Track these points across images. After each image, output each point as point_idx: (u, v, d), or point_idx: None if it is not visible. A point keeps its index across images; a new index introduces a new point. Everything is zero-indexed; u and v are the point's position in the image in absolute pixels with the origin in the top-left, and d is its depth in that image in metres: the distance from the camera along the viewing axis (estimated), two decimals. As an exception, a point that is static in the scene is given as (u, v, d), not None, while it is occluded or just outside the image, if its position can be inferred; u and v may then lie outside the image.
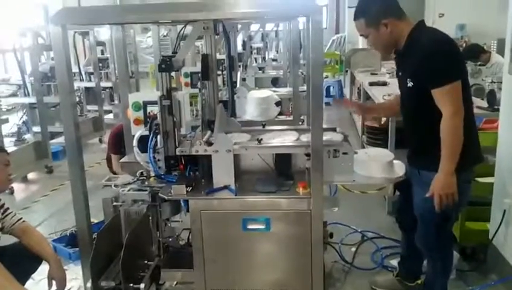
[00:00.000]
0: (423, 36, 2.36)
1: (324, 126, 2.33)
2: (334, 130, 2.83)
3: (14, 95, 7.69)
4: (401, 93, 2.61)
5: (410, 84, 2.39)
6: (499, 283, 3.03)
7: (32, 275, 2.73)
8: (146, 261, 2.42)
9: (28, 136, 6.21)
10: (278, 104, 3.99)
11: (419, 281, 2.93)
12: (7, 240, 2.69)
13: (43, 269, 2.63)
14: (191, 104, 2.88)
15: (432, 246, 2.61)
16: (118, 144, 3.59)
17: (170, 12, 2.34)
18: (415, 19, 2.45)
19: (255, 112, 3.89)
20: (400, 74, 2.55)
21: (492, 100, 4.06)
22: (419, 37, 2.36)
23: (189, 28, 2.55)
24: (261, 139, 2.55)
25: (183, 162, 2.53)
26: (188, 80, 3.99)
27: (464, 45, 8.94)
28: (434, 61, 2.27)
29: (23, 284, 2.46)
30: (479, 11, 10.25)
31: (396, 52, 2.58)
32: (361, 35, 2.52)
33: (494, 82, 4.72)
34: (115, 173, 3.68)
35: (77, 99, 7.53)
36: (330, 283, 3.15)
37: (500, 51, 8.95)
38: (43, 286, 2.73)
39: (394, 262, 3.29)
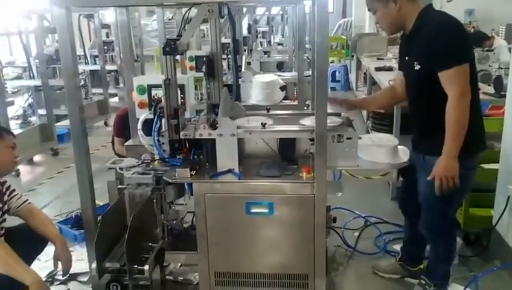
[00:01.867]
0: (432, 19, 2.34)
1: (329, 111, 2.32)
2: (338, 115, 2.82)
3: (19, 77, 7.70)
4: (406, 77, 2.59)
5: (417, 67, 2.37)
6: (501, 269, 3.03)
7: (39, 257, 2.77)
8: (150, 244, 2.44)
9: (33, 119, 6.26)
10: (282, 88, 3.96)
11: (421, 266, 2.94)
12: (13, 221, 2.71)
13: (49, 250, 2.66)
14: (195, 88, 2.87)
15: (435, 232, 2.61)
16: (123, 127, 3.60)
17: (174, -6, 2.33)
18: (423, 3, 2.42)
19: (259, 96, 3.87)
20: (407, 58, 2.52)
21: (499, 86, 4.03)
22: (428, 20, 2.34)
23: (194, 11, 2.54)
24: (265, 124, 2.54)
25: (187, 145, 2.53)
26: (193, 63, 3.98)
27: (472, 30, 8.84)
28: (442, 44, 2.25)
29: (30, 265, 2.49)
30: (487, -4, 10.11)
31: (403, 36, 2.55)
32: (369, 10, 2.51)
33: (501, 68, 4.69)
34: (118, 155, 3.70)
35: (82, 82, 7.55)
36: (333, 267, 3.17)
37: (508, 36, 8.85)
38: (49, 267, 2.77)
39: (397, 247, 3.30)
